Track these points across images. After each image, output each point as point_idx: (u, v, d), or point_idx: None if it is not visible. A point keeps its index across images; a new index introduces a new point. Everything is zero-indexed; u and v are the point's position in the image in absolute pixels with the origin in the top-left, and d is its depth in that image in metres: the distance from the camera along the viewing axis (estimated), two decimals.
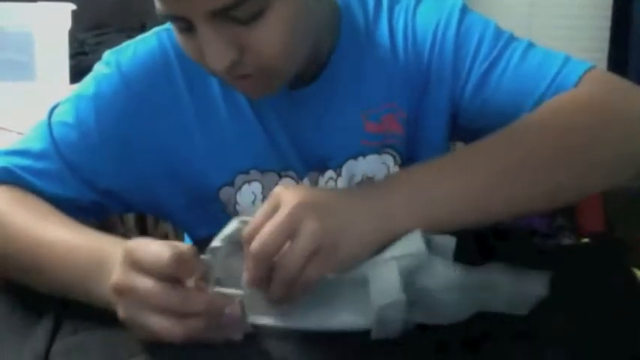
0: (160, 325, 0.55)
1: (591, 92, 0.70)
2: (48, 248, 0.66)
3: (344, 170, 0.84)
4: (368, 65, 0.84)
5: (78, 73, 2.29)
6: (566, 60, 0.77)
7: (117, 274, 0.57)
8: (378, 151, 0.84)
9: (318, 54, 0.82)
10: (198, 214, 0.87)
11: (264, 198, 0.82)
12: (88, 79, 0.83)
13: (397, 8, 0.85)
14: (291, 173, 0.84)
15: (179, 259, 0.55)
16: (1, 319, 0.67)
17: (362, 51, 0.84)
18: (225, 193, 0.83)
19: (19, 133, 1.50)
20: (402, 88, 0.84)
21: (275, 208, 0.58)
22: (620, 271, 0.66)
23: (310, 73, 0.83)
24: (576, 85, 0.73)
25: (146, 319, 0.55)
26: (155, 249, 0.56)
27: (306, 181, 0.84)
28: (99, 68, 0.83)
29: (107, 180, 0.81)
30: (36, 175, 0.78)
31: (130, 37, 0.87)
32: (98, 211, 0.84)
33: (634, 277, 0.67)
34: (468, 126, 0.84)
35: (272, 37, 0.64)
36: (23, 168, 0.79)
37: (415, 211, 0.60)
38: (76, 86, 0.85)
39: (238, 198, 0.83)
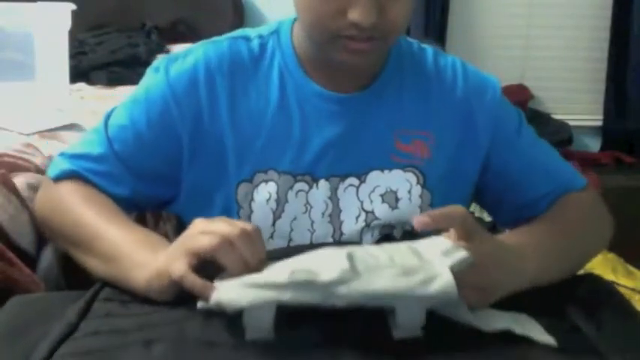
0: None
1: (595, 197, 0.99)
2: (99, 241, 0.80)
3: (369, 179, 0.91)
4: (410, 92, 0.93)
5: (78, 73, 2.29)
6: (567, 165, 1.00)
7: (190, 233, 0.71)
8: (403, 168, 0.92)
9: (375, 67, 0.92)
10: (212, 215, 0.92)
11: (278, 198, 0.89)
12: (141, 84, 0.93)
13: (441, 57, 0.96)
14: (307, 178, 0.90)
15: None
16: (38, 302, 0.79)
17: (406, 77, 0.94)
18: (243, 188, 0.90)
19: (20, 133, 1.50)
20: (443, 120, 0.93)
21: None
22: None
23: (361, 84, 0.92)
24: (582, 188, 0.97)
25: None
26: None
27: (323, 183, 0.90)
28: (150, 73, 0.93)
29: (159, 171, 0.91)
30: (99, 176, 0.90)
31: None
32: (154, 204, 0.96)
33: None
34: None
35: (403, 12, 0.82)
36: (88, 170, 0.90)
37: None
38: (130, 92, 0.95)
39: (255, 195, 0.90)
